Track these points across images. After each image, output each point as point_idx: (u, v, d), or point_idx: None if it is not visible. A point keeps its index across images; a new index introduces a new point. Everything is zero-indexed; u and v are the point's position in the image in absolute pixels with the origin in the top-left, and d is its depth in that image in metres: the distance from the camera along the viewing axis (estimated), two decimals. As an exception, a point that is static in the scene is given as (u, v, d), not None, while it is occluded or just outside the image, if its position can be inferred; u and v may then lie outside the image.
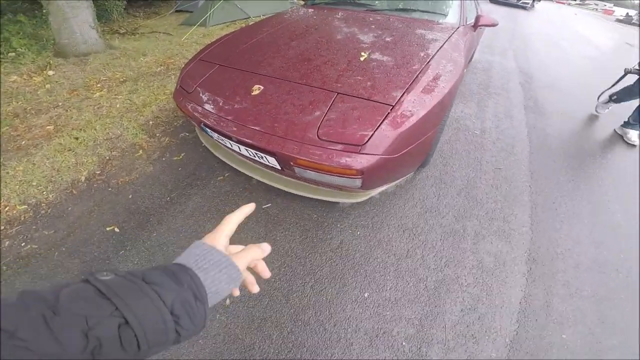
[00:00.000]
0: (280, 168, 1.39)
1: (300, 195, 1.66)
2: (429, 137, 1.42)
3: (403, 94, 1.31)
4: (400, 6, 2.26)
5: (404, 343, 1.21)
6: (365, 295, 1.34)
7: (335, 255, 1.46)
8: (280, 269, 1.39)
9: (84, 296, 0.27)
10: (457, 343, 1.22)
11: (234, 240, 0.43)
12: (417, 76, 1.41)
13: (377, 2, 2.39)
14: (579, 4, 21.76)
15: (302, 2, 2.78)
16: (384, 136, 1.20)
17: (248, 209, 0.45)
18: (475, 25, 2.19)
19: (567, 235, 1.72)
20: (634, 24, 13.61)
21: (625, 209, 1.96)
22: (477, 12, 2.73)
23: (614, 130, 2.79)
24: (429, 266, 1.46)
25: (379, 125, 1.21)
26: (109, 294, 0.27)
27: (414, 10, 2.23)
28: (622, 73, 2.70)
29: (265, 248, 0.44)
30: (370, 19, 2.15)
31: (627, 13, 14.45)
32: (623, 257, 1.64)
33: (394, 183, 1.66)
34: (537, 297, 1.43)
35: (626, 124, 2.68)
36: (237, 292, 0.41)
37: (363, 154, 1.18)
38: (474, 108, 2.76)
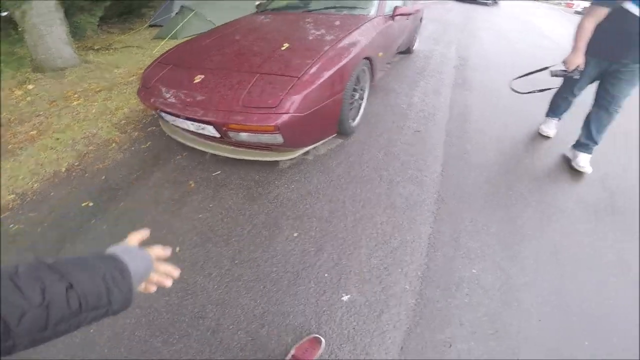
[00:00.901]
0: (219, 136, 1.73)
1: (244, 162, 2.00)
2: (335, 100, 1.79)
3: (307, 68, 1.69)
4: (330, 5, 2.68)
5: (325, 274, 1.38)
6: (295, 234, 1.58)
7: (271, 205, 1.77)
8: (223, 219, 1.68)
9: (39, 268, 0.36)
10: (372, 275, 1.37)
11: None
12: (321, 55, 1.80)
13: (311, 4, 2.79)
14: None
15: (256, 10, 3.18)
16: (293, 99, 1.57)
17: (145, 232, 0.56)
18: (393, 15, 2.61)
19: (476, 179, 1.96)
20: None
21: (533, 153, 2.22)
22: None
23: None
24: (348, 208, 1.73)
25: (288, 91, 1.58)
26: (57, 268, 0.37)
27: (342, 8, 2.64)
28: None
29: (167, 250, 0.55)
30: (304, 18, 2.54)
31: (579, 5, 15.62)
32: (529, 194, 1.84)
33: (319, 143, 2.03)
34: (445, 233, 1.57)
35: (578, 146, 2.11)
36: (153, 288, 0.52)
37: (277, 113, 1.54)
38: (406, 88, 3.14)
